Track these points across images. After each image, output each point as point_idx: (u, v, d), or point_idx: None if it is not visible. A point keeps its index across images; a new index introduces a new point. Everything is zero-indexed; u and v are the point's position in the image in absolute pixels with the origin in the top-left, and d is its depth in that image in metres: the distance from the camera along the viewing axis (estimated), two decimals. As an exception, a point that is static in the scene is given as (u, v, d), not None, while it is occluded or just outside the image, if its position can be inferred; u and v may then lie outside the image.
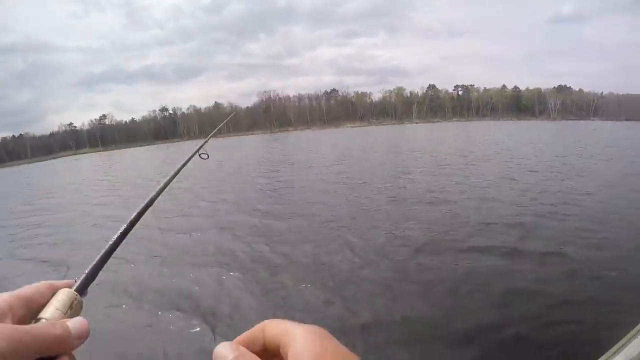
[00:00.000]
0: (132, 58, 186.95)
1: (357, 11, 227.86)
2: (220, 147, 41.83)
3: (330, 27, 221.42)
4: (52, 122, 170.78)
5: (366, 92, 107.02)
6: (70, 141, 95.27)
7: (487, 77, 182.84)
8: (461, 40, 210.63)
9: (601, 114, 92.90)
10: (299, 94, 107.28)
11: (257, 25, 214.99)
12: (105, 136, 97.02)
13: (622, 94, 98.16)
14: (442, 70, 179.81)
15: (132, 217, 0.49)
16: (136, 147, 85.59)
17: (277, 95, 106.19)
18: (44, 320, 0.35)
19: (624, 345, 1.62)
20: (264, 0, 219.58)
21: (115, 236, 0.46)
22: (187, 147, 52.17)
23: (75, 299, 0.39)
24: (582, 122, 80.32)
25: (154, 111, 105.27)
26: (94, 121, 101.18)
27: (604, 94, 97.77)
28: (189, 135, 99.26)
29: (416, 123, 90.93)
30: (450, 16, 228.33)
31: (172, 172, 0.70)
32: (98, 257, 0.43)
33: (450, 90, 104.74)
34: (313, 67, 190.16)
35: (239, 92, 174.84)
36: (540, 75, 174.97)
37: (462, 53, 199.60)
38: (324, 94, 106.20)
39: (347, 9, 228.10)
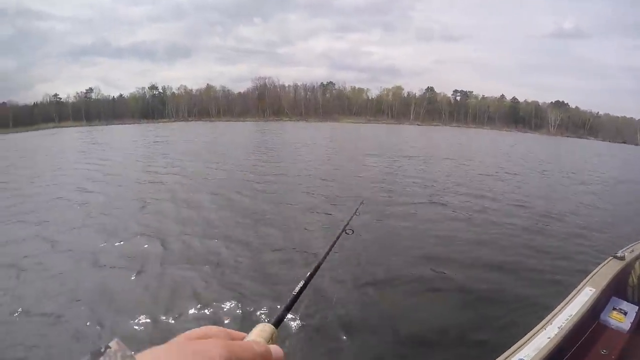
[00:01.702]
0: (122, 32, 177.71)
1: (356, 5, 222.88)
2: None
3: (326, 18, 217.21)
4: (39, 92, 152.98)
5: (363, 88, 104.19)
6: (54, 113, 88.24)
7: (482, 84, 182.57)
8: (458, 46, 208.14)
9: (597, 134, 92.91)
10: (294, 84, 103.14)
11: (253, 9, 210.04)
12: (90, 110, 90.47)
13: (618, 116, 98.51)
14: (436, 74, 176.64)
15: (312, 270, 0.59)
16: (122, 124, 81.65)
17: (272, 82, 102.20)
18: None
19: (534, 335, 1.87)
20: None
21: (302, 282, 0.55)
22: (178, 129, 48.56)
23: (274, 331, 0.46)
24: (580, 140, 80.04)
25: (143, 89, 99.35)
26: (80, 94, 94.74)
27: (599, 113, 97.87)
28: (177, 116, 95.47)
29: (418, 125, 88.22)
30: (449, 20, 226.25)
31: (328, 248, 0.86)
32: (290, 298, 0.50)
33: (449, 94, 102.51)
34: (306, 59, 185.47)
35: (229, 76, 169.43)
36: (537, 87, 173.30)
37: (458, 58, 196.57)
38: (319, 86, 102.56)
39: (345, 2, 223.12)
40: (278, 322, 0.46)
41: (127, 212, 8.33)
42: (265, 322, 0.45)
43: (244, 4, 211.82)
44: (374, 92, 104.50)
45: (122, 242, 6.30)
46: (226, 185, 11.18)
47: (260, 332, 0.43)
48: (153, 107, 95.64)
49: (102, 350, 0.33)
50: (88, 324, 3.89)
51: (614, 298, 2.63)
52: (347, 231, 1.17)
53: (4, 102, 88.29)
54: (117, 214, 8.10)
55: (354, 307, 4.26)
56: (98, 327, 3.83)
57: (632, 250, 3.05)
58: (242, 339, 0.41)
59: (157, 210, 8.37)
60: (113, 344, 0.33)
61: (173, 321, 3.93)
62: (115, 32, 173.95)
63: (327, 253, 0.86)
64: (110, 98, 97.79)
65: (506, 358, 1.71)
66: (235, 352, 0.34)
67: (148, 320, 3.93)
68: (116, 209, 8.54)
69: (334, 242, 0.96)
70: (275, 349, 0.39)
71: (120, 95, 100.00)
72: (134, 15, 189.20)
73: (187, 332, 0.37)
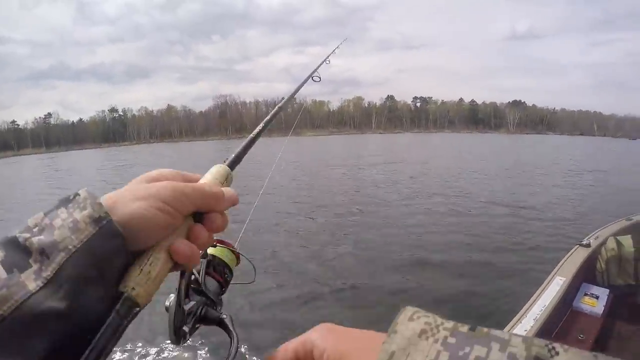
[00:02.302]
0: (81, 54, 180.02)
1: (315, 20, 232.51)
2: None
3: (286, 34, 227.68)
4: None
5: (324, 101, 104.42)
6: (12, 141, 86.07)
7: (442, 90, 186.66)
8: (417, 54, 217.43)
9: (555, 129, 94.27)
10: (255, 100, 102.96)
11: (212, 27, 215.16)
12: (50, 137, 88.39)
13: (575, 110, 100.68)
14: (397, 82, 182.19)
15: (260, 126, 0.58)
16: (82, 149, 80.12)
17: (234, 100, 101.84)
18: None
19: (511, 330, 1.92)
20: (221, 1, 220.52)
21: (256, 131, 0.55)
22: (141, 151, 46.92)
23: (229, 173, 0.45)
24: (540, 136, 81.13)
25: (103, 112, 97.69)
26: (39, 119, 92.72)
27: (556, 109, 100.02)
28: (139, 139, 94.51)
29: (380, 133, 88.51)
30: (408, 30, 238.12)
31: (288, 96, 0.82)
32: (244, 143, 0.51)
33: (409, 101, 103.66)
34: (266, 74, 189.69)
35: (190, 96, 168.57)
36: (494, 89, 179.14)
37: (418, 66, 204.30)
38: (281, 100, 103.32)
39: (304, 17, 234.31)
40: (233, 164, 0.45)
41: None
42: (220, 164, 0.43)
43: (203, 22, 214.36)
44: (335, 104, 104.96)
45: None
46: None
47: (215, 173, 0.42)
48: (114, 130, 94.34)
49: (72, 197, 0.33)
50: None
51: (584, 284, 2.68)
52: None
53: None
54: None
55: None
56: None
57: (597, 237, 3.12)
58: (197, 180, 0.40)
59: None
60: (82, 192, 0.33)
61: None
62: (74, 55, 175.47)
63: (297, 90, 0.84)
64: (70, 122, 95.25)
65: None
66: (184, 192, 0.34)
67: None
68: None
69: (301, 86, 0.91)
70: (228, 190, 0.38)
71: (80, 119, 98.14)
72: (93, 36, 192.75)
73: (142, 175, 0.37)
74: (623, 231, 3.29)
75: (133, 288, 0.30)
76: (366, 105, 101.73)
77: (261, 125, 0.60)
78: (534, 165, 19.10)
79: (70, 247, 0.29)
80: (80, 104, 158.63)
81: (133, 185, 0.35)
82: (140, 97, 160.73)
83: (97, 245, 0.30)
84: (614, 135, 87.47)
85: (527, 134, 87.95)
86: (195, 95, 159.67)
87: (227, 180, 0.45)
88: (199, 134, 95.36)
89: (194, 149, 50.66)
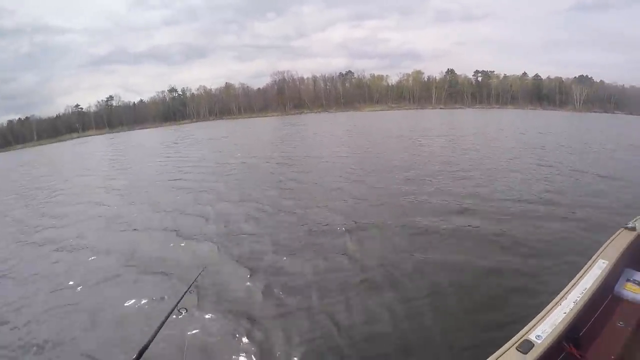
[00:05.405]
0: (138, 39, 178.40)
1: None
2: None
3: (341, 8, 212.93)
4: (60, 104, 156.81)
5: (382, 75, 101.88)
6: (76, 123, 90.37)
7: (503, 64, 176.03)
8: (478, 25, 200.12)
9: (624, 108, 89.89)
10: (313, 76, 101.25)
11: (267, 4, 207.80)
12: (112, 118, 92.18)
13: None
14: (457, 55, 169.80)
15: (172, 307, 0.66)
16: (144, 128, 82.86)
17: (291, 76, 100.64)
18: None
19: (550, 311, 1.85)
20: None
21: (163, 318, 0.67)
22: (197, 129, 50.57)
23: None
24: (610, 115, 76.80)
25: (163, 92, 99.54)
26: (101, 102, 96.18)
27: (625, 86, 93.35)
28: (198, 117, 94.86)
29: (441, 109, 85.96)
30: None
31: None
32: (147, 340, 0.56)
33: (470, 75, 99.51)
34: (323, 50, 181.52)
35: (248, 73, 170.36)
36: (559, 64, 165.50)
37: (478, 38, 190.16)
38: (339, 76, 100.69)
39: None
40: None
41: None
42: None
43: (257, 0, 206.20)
44: (394, 79, 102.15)
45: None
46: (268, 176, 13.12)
47: None
48: (174, 109, 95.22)
49: None
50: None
51: (627, 269, 2.51)
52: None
53: (26, 117, 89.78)
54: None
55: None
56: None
57: None
58: None
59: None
60: None
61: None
62: (132, 39, 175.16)
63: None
64: (131, 104, 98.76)
65: (522, 336, 1.69)
66: None
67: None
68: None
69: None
70: None
71: (141, 100, 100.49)
72: (149, 20, 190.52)
73: None
74: None
75: None
76: (426, 79, 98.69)
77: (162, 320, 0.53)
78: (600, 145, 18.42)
79: None
80: (140, 86, 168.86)
81: None
82: (198, 77, 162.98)
83: None
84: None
85: (595, 112, 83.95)
86: (253, 72, 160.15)
87: None
88: (258, 110, 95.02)
89: (254, 124, 53.92)
